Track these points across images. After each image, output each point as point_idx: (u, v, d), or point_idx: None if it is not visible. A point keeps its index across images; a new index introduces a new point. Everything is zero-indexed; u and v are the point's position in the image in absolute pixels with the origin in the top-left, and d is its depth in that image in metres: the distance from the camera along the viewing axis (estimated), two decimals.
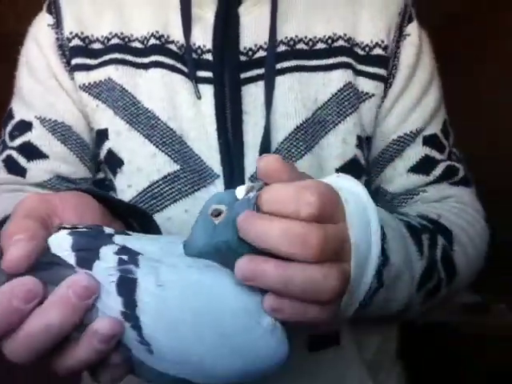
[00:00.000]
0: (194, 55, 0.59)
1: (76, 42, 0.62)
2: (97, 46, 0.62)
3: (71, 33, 0.62)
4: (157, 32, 0.61)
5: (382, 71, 0.63)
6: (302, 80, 0.60)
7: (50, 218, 0.37)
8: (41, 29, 0.65)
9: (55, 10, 0.65)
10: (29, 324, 0.32)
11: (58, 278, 0.33)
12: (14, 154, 0.63)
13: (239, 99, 0.59)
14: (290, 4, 0.62)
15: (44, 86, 0.63)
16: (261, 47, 0.60)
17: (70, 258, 0.34)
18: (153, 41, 0.60)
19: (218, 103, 0.58)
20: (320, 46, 0.61)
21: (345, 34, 0.62)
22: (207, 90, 0.59)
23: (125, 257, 0.35)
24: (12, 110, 0.65)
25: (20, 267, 0.32)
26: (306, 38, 0.62)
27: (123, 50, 0.61)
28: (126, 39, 0.61)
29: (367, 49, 0.62)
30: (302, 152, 0.59)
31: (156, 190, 0.57)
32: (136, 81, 0.60)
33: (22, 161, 0.62)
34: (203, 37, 0.60)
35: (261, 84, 0.59)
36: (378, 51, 0.62)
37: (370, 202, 0.38)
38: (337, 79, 0.60)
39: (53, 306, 0.32)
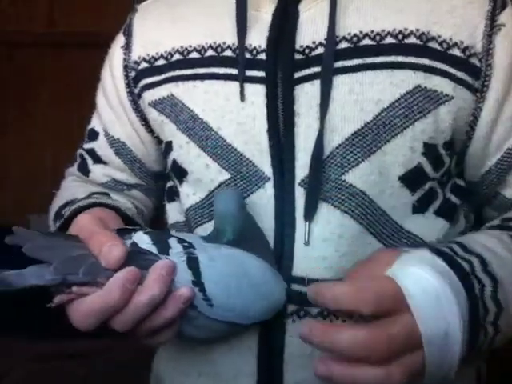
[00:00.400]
0: (249, 55, 0.58)
1: (143, 65, 0.65)
2: (161, 62, 0.64)
3: (139, 57, 0.66)
4: (214, 42, 0.60)
5: (462, 74, 0.55)
6: (364, 80, 0.55)
7: (105, 226, 0.51)
8: (115, 50, 0.70)
9: (128, 33, 0.69)
10: (137, 298, 0.45)
11: (147, 263, 0.46)
12: (85, 154, 0.74)
13: (292, 99, 0.56)
14: None
15: (110, 105, 0.70)
16: (320, 44, 0.56)
17: (152, 248, 0.48)
18: (210, 52, 0.61)
19: (269, 103, 0.56)
20: (389, 40, 0.55)
21: (417, 30, 0.55)
22: (259, 90, 0.57)
23: (185, 244, 0.50)
24: (92, 116, 0.74)
25: (119, 263, 0.45)
26: (372, 32, 0.56)
27: (183, 64, 0.62)
28: (185, 52, 0.62)
29: (445, 45, 0.55)
30: (359, 159, 0.55)
31: (212, 199, 0.60)
32: (193, 94, 0.61)
33: (89, 162, 0.73)
34: (259, 37, 0.58)
35: (317, 83, 0.55)
36: (456, 51, 0.55)
37: (440, 283, 0.43)
38: (406, 79, 0.55)
39: (153, 283, 0.45)
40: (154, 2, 0.69)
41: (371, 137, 0.54)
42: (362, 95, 0.55)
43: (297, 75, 0.56)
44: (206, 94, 0.60)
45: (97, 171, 0.72)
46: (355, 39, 0.56)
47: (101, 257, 0.45)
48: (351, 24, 0.56)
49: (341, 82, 0.55)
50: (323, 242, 0.54)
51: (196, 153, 0.60)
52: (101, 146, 0.71)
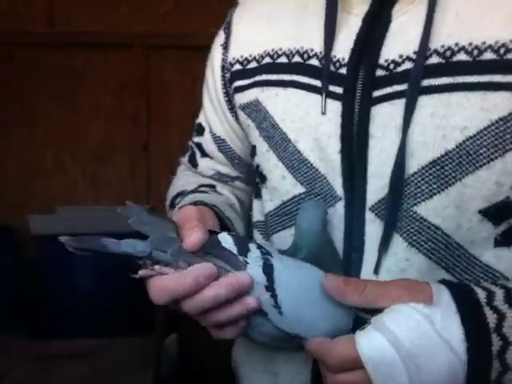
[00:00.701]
0: (332, 68, 0.55)
1: (236, 67, 0.65)
2: (252, 64, 0.63)
3: (234, 58, 0.66)
4: (301, 47, 0.58)
5: None
6: (451, 103, 0.49)
7: (204, 222, 0.53)
8: (216, 47, 0.70)
9: (227, 31, 0.68)
10: (206, 291, 0.48)
11: (226, 260, 0.50)
12: (194, 148, 0.77)
13: (367, 120, 0.52)
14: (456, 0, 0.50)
15: (212, 104, 0.72)
16: (408, 58, 0.51)
17: (233, 249, 0.51)
18: (297, 58, 0.58)
19: (344, 123, 0.53)
20: (488, 56, 0.48)
21: None
22: (337, 108, 0.54)
23: (263, 250, 0.52)
24: (199, 111, 0.77)
25: (195, 247, 0.49)
26: (470, 44, 0.49)
27: (271, 68, 0.60)
28: (275, 55, 0.60)
29: None
30: (434, 190, 0.50)
31: (286, 209, 0.60)
32: (275, 102, 0.59)
33: (197, 155, 0.77)
34: (345, 47, 0.54)
35: (398, 103, 0.51)
36: None
37: (394, 355, 0.43)
38: (500, 104, 0.47)
39: (223, 285, 0.48)
40: None
41: (451, 167, 0.49)
42: (445, 120, 0.49)
43: (376, 94, 0.52)
44: (287, 103, 0.58)
45: (203, 164, 0.76)
46: (448, 53, 0.50)
47: (183, 239, 0.49)
48: (447, 34, 0.50)
49: (424, 104, 0.50)
50: (387, 273, 0.52)
51: (274, 163, 0.60)
52: (206, 141, 0.74)
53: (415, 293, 0.45)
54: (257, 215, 0.67)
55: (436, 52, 0.50)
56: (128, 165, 2.37)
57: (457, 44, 0.49)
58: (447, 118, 0.49)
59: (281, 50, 0.60)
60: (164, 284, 0.49)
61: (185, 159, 0.81)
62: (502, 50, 0.47)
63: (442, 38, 0.50)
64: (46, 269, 2.01)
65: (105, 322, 1.90)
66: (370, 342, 0.44)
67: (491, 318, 0.43)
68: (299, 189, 0.58)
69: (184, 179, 0.77)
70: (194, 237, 0.49)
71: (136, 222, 0.50)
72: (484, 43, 0.48)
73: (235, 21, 0.68)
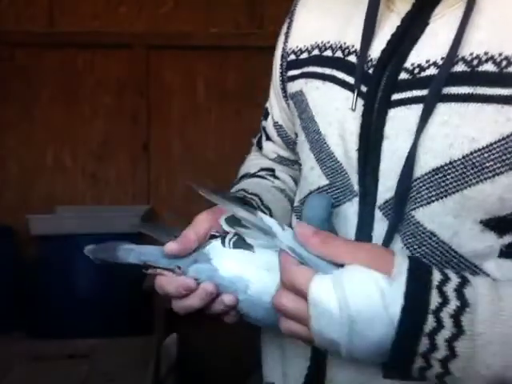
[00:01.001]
0: (365, 67, 0.56)
1: (291, 57, 0.67)
2: (303, 55, 0.65)
3: (290, 48, 0.67)
4: (344, 43, 0.59)
5: None
6: (466, 114, 0.48)
7: (211, 227, 0.56)
8: (281, 34, 0.71)
9: (290, 20, 0.69)
10: (186, 301, 0.55)
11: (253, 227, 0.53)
12: (262, 131, 0.80)
13: (383, 122, 0.53)
14: (494, 6, 0.49)
15: (274, 90, 0.74)
16: (434, 64, 0.50)
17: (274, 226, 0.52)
18: (338, 53, 0.60)
19: (363, 123, 0.54)
20: None
21: None
22: (360, 106, 0.55)
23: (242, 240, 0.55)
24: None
25: (170, 255, 0.54)
26: (500, 55, 0.47)
27: (317, 61, 0.62)
28: (323, 48, 0.62)
29: None
30: (433, 198, 0.50)
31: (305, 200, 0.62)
32: (314, 95, 0.61)
33: (263, 138, 0.79)
34: (380, 48, 0.55)
35: (414, 108, 0.50)
36: None
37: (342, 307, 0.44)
38: None
39: (194, 297, 0.54)
40: None
41: (454, 176, 0.49)
42: (456, 130, 0.48)
43: (395, 97, 0.52)
44: (323, 96, 0.60)
45: (267, 148, 0.79)
46: (475, 62, 0.48)
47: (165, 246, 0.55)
48: (479, 41, 0.49)
49: (439, 111, 0.49)
50: None
51: (307, 153, 0.62)
52: (269, 125, 0.77)
53: (379, 261, 0.46)
54: (296, 201, 0.70)
55: (463, 59, 0.49)
56: (128, 165, 2.37)
57: (486, 53, 0.48)
58: (458, 128, 0.48)
59: (328, 43, 0.62)
60: (160, 283, 0.56)
61: (255, 141, 0.84)
62: None
63: (473, 45, 0.49)
64: (45, 269, 2.01)
65: (105, 322, 1.91)
66: (320, 289, 0.45)
67: (434, 300, 0.44)
68: (323, 181, 0.60)
69: (250, 161, 0.82)
70: (168, 246, 0.54)
71: (141, 227, 0.58)
72: None
73: (298, 10, 0.69)
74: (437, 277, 0.45)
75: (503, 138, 0.47)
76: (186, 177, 2.31)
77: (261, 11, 2.30)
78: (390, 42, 0.55)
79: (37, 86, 2.31)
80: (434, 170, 0.50)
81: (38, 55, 2.30)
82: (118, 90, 2.35)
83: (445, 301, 0.44)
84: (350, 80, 0.57)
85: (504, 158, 0.47)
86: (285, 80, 0.69)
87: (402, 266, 0.45)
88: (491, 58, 0.48)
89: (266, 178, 0.74)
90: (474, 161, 0.48)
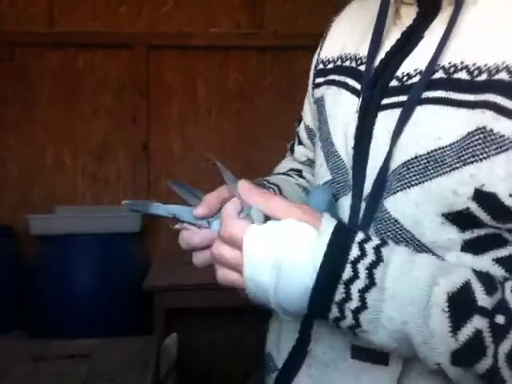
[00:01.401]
0: (370, 75, 0.62)
1: (320, 66, 0.75)
2: (330, 66, 0.73)
3: (320, 59, 0.75)
4: (358, 54, 0.67)
5: None
6: (437, 115, 0.53)
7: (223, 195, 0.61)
8: (319, 46, 0.79)
9: (325, 34, 0.77)
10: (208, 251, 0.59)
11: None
12: (295, 135, 0.86)
13: (373, 123, 0.59)
14: (476, 16, 0.54)
15: (308, 95, 0.81)
16: (420, 72, 0.56)
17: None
18: (354, 63, 0.67)
19: (359, 124, 0.61)
20: (482, 77, 0.51)
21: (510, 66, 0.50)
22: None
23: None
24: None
25: (198, 216, 0.60)
26: (473, 65, 0.52)
27: (338, 70, 0.70)
28: (345, 59, 0.70)
29: None
30: (398, 188, 0.55)
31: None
32: (331, 100, 0.69)
33: (295, 142, 0.86)
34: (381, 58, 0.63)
35: (397, 111, 0.56)
36: None
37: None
38: (473, 120, 0.51)
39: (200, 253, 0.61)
40: (355, 2, 0.76)
41: (417, 169, 0.54)
42: (426, 129, 0.53)
43: (384, 101, 0.59)
44: (336, 101, 0.67)
45: (298, 152, 0.85)
46: (452, 70, 0.54)
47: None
48: (456, 52, 0.54)
49: (415, 113, 0.54)
50: None
51: (319, 151, 0.70)
52: (301, 129, 0.84)
53: (310, 217, 0.53)
54: None
55: (443, 68, 0.54)
56: (128, 164, 2.37)
57: (462, 62, 0.53)
58: (429, 128, 0.53)
59: (349, 54, 0.69)
60: (184, 236, 0.61)
61: (289, 146, 0.90)
62: (493, 72, 0.51)
63: (452, 54, 0.54)
64: (45, 269, 2.01)
65: (105, 322, 1.91)
66: (254, 238, 0.52)
67: (354, 252, 0.50)
68: (328, 176, 0.67)
69: (282, 164, 0.89)
70: (196, 211, 0.60)
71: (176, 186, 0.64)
72: (485, 65, 0.51)
73: (334, 24, 0.77)
74: (360, 235, 0.52)
75: (460, 139, 0.51)
76: (185, 177, 2.31)
77: (261, 11, 2.29)
78: (388, 53, 0.62)
79: (37, 86, 2.31)
80: (402, 164, 0.55)
81: (38, 55, 2.31)
82: (118, 90, 2.35)
83: (363, 254, 0.50)
84: (358, 86, 0.64)
85: (458, 155, 0.51)
86: (313, 87, 0.77)
87: (329, 223, 0.52)
88: (465, 67, 0.53)
89: (291, 176, 0.82)
90: (437, 156, 0.53)
